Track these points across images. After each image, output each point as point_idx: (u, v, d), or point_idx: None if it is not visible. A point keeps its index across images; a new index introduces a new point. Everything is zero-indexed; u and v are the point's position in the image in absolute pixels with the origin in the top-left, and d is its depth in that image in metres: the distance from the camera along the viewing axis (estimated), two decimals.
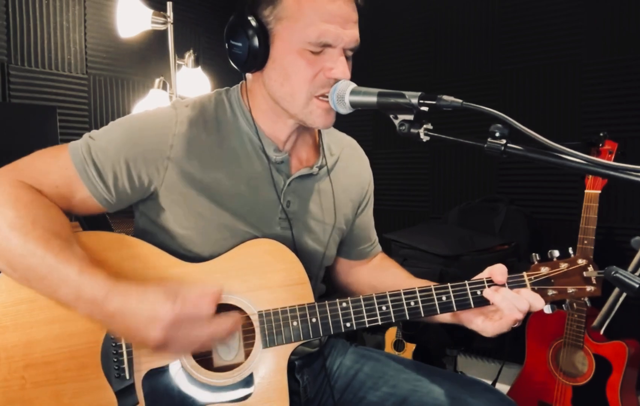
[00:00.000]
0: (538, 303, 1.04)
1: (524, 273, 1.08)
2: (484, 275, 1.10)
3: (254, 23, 1.03)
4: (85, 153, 1.02)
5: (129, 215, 1.13)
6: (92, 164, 1.02)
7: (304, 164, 1.18)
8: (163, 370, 1.01)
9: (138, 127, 1.06)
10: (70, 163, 1.02)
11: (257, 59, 1.05)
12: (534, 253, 1.11)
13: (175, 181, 1.06)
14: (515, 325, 1.05)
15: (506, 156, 0.83)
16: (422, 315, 1.06)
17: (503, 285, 1.06)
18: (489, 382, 1.97)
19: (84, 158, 1.02)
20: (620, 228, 2.29)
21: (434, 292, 1.07)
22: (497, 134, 0.83)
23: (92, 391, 0.98)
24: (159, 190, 1.07)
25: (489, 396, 1.11)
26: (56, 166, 1.02)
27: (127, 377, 0.99)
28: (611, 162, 0.77)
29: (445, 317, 1.12)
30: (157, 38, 2.69)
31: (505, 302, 1.03)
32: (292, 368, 1.18)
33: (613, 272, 0.78)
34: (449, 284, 1.07)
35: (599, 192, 1.85)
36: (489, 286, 1.07)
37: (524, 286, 1.07)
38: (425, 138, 0.91)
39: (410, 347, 2.47)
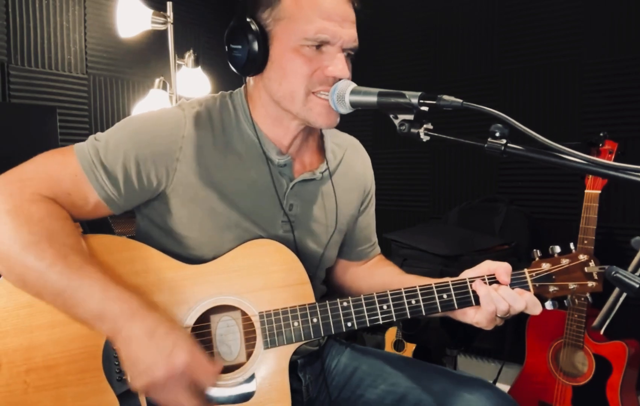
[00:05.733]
0: (519, 305, 1.02)
1: (525, 270, 1.07)
2: (483, 269, 1.08)
3: (253, 26, 1.04)
4: (93, 156, 1.02)
5: (130, 214, 1.13)
6: (101, 166, 1.01)
7: (307, 168, 1.18)
8: None
9: (147, 129, 1.06)
10: (79, 168, 1.01)
11: (256, 62, 1.05)
12: (535, 250, 1.09)
13: (183, 182, 1.06)
14: (497, 322, 1.05)
15: (506, 156, 0.83)
16: (424, 313, 1.05)
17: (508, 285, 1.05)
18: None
19: (92, 161, 1.01)
20: (620, 228, 2.29)
21: (435, 290, 1.06)
22: (498, 134, 0.83)
23: (94, 395, 0.98)
24: (167, 191, 1.06)
25: (486, 392, 1.10)
26: (66, 173, 1.01)
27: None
28: (611, 162, 0.77)
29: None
30: (157, 38, 2.69)
31: (487, 297, 1.03)
32: (295, 367, 1.18)
33: (613, 272, 0.78)
34: (449, 281, 1.07)
35: (599, 192, 1.84)
36: (490, 284, 1.06)
37: (525, 283, 1.06)
38: (425, 138, 0.91)
39: (410, 347, 2.47)
